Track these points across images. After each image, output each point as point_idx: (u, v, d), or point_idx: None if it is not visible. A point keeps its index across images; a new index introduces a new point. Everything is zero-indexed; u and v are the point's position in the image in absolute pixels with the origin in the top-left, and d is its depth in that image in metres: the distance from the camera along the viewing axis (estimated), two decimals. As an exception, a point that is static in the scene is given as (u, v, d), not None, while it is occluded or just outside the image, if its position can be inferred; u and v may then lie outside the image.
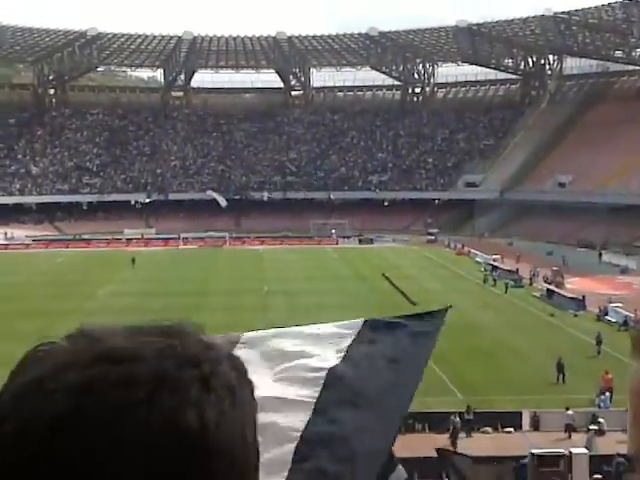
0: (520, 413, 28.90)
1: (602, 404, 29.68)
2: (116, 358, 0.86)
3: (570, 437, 27.68)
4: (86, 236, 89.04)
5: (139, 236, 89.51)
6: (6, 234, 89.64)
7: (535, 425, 28.70)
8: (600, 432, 27.50)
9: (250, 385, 0.98)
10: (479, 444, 27.37)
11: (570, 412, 28.20)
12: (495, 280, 58.33)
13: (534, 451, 25.58)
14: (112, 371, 0.84)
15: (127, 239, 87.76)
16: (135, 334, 0.91)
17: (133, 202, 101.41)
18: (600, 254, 71.38)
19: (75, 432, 0.81)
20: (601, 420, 27.93)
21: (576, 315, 46.86)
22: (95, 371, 0.84)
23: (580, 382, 31.88)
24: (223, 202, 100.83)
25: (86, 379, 0.83)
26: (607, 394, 29.75)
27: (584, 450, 25.85)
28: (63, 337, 0.91)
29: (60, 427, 0.81)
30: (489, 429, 28.51)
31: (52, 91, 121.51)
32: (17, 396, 0.84)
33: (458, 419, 27.17)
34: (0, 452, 0.82)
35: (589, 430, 27.35)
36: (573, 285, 56.51)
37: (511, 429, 28.55)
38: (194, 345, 0.93)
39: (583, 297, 49.29)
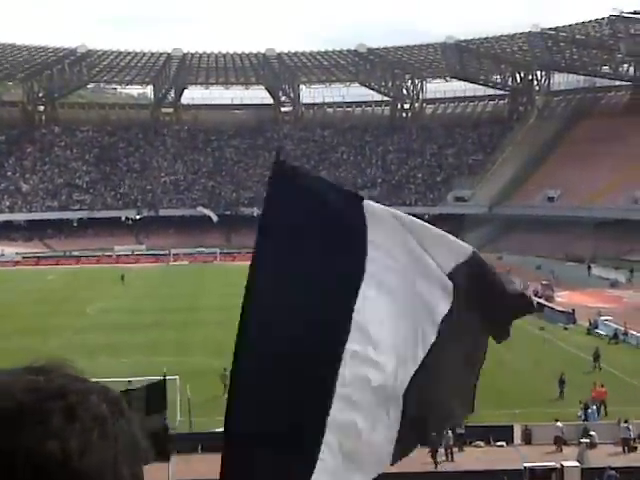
0: (511, 427, 28.98)
1: (591, 417, 29.76)
2: None
3: (560, 450, 27.77)
4: (76, 253, 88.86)
5: (129, 252, 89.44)
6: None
7: (527, 439, 28.78)
8: (592, 445, 27.60)
9: (128, 418, 0.98)
10: (471, 458, 27.44)
11: (559, 424, 28.30)
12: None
13: (526, 464, 25.69)
14: None
15: (117, 256, 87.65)
16: (5, 374, 0.95)
17: (123, 219, 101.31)
18: (589, 267, 71.76)
19: None
20: (592, 433, 28.05)
21: (566, 328, 47.10)
22: None
23: (571, 395, 31.99)
24: (214, 217, 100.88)
25: None
26: (594, 407, 29.88)
27: (576, 463, 25.96)
28: None
29: None
30: (481, 443, 28.58)
31: (42, 108, 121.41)
32: None
33: (451, 434, 27.22)
34: None
35: (580, 443, 27.43)
36: (563, 299, 56.77)
37: (503, 443, 28.62)
38: (60, 379, 0.95)
39: (573, 310, 49.55)
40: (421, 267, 3.16)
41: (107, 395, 0.98)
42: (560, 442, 28.04)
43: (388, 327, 3.06)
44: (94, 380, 1.01)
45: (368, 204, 3.18)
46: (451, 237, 3.34)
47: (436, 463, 26.59)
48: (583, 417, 29.91)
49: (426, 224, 3.32)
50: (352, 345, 2.93)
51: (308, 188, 3.18)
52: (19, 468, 0.86)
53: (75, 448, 0.88)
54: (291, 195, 3.11)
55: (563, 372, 33.36)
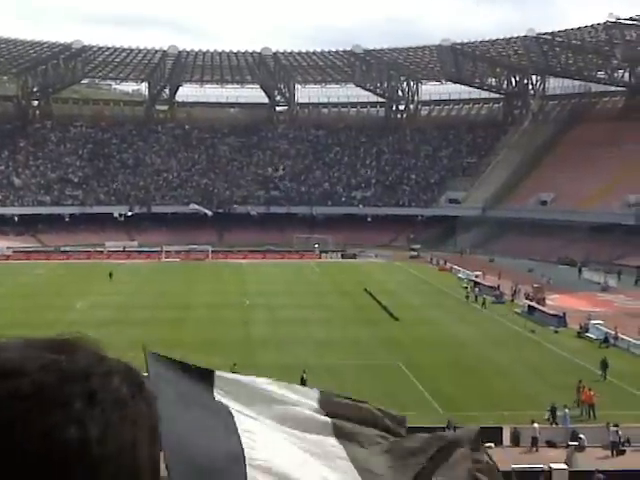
0: (500, 428, 28.87)
1: (563, 421, 29.66)
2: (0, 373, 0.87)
3: (537, 450, 27.83)
4: (67, 248, 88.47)
5: (121, 249, 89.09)
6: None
7: (515, 440, 28.71)
8: (580, 448, 27.55)
9: (147, 398, 0.97)
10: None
11: (536, 425, 28.33)
12: (477, 296, 58.49)
13: (514, 467, 25.61)
14: None
15: (109, 252, 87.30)
16: (24, 348, 0.92)
17: (116, 215, 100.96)
18: (580, 271, 71.88)
19: None
20: (581, 436, 27.99)
21: (557, 331, 47.10)
22: None
23: (559, 397, 31.91)
24: (208, 212, 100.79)
25: None
26: (566, 410, 29.77)
27: (564, 466, 25.90)
28: None
29: None
30: (469, 444, 28.45)
31: (36, 103, 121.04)
32: None
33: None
34: None
35: (569, 446, 27.39)
36: (554, 302, 56.76)
37: (491, 444, 28.51)
38: (83, 359, 0.93)
39: (564, 314, 49.54)
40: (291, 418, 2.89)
41: (129, 376, 0.97)
42: (536, 443, 28.09)
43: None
44: (116, 358, 0.99)
45: (220, 376, 2.92)
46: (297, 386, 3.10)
47: None
48: (551, 420, 29.75)
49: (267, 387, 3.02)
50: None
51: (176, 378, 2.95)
52: (34, 453, 0.84)
53: (94, 435, 0.87)
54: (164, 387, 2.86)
55: (581, 379, 32.91)
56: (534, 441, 28.18)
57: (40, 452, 0.84)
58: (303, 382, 32.45)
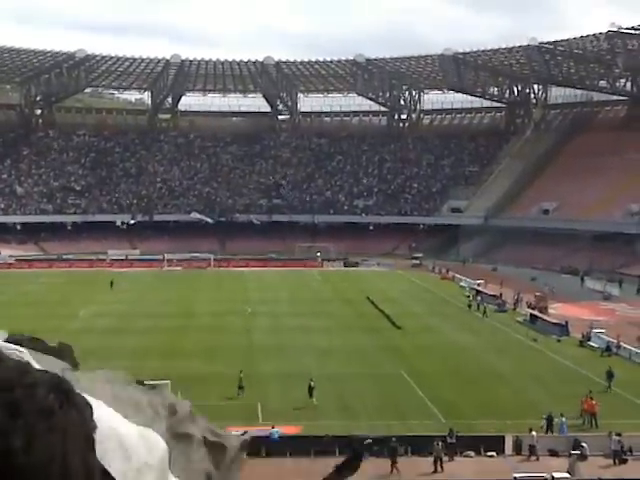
0: (503, 437, 28.85)
1: (561, 430, 29.60)
2: None
3: (537, 459, 27.78)
4: (70, 256, 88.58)
5: (123, 257, 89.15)
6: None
7: (517, 449, 28.67)
8: (582, 457, 27.50)
9: (78, 406, 0.96)
10: (462, 468, 27.31)
11: (534, 434, 28.30)
12: (479, 305, 58.42)
13: (516, 475, 25.61)
14: None
15: (111, 260, 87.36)
16: None
17: (118, 223, 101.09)
18: (582, 280, 71.81)
19: None
20: (584, 445, 27.93)
21: (559, 340, 47.04)
22: None
23: (561, 405, 31.87)
24: (209, 220, 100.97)
25: None
26: (563, 419, 29.71)
27: (566, 474, 25.86)
28: None
29: None
30: (472, 453, 28.44)
31: (39, 112, 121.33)
32: None
33: (440, 444, 27.05)
34: None
35: (571, 455, 27.33)
36: (556, 310, 56.72)
37: (494, 453, 28.50)
38: (7, 370, 0.91)
39: (566, 322, 49.48)
40: None
41: (56, 386, 0.95)
42: (534, 452, 28.07)
43: None
44: (42, 370, 0.97)
45: None
46: None
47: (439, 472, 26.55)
48: (545, 428, 29.58)
49: None
50: None
51: None
52: None
53: (18, 445, 0.85)
54: None
55: (590, 390, 32.69)
56: (532, 449, 28.17)
57: None
58: (311, 390, 32.59)
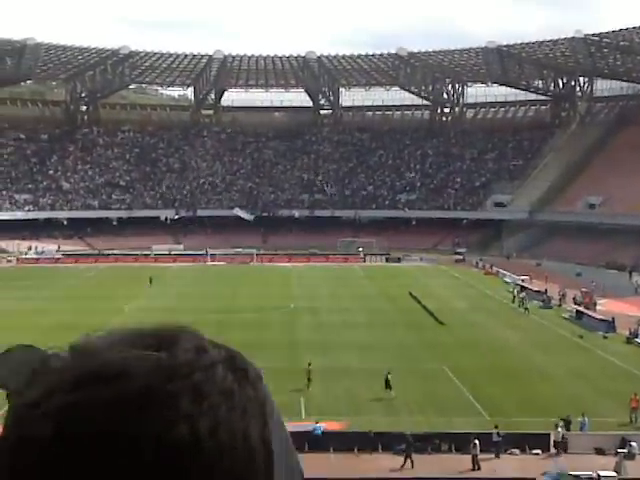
0: (548, 435, 28.55)
1: (582, 429, 29.15)
2: (103, 378, 0.86)
3: (559, 454, 27.39)
4: (115, 251, 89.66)
5: (167, 252, 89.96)
6: (36, 248, 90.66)
7: (563, 447, 28.34)
8: (630, 455, 27.09)
9: (253, 382, 0.96)
10: (506, 465, 27.10)
11: (560, 430, 27.93)
12: (523, 300, 57.76)
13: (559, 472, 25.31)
14: (98, 393, 0.84)
15: (155, 255, 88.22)
16: (126, 345, 0.91)
17: (162, 218, 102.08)
18: (630, 274, 70.72)
19: (61, 456, 0.82)
20: (633, 444, 27.49)
21: (605, 337, 46.38)
22: (81, 394, 0.84)
23: (608, 404, 31.45)
24: (249, 217, 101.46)
25: (71, 403, 0.84)
26: (586, 419, 29.21)
27: (613, 473, 25.50)
28: (66, 347, 0.93)
29: (49, 451, 0.82)
30: (516, 451, 28.20)
31: (84, 108, 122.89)
32: (11, 422, 0.88)
33: (478, 442, 26.88)
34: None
35: (618, 453, 26.95)
36: (603, 307, 55.94)
37: (538, 451, 28.22)
38: (185, 353, 0.91)
39: (613, 319, 48.77)
40: None
41: (233, 363, 0.95)
42: (560, 447, 27.69)
43: None
44: (216, 347, 0.97)
45: None
46: None
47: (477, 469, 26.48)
48: (563, 431, 28.52)
49: None
50: None
51: None
52: (147, 454, 0.83)
53: (204, 428, 0.86)
54: None
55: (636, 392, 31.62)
56: (557, 445, 27.79)
57: (152, 455, 0.83)
58: (387, 383, 32.83)
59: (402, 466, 26.77)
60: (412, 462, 26.84)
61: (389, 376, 33.28)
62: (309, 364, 35.04)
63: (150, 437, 0.83)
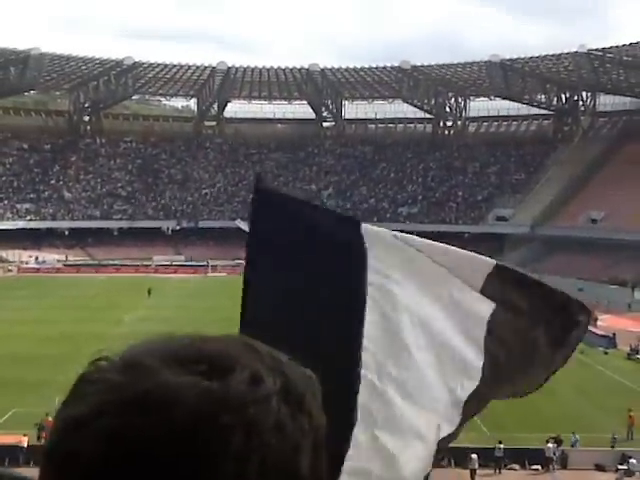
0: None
1: (573, 444, 28.98)
2: (150, 405, 0.82)
3: (547, 470, 27.25)
4: (116, 262, 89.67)
5: (168, 263, 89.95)
6: (37, 258, 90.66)
7: (563, 463, 28.19)
8: (629, 472, 26.92)
9: (309, 412, 0.89)
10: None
11: (550, 445, 27.81)
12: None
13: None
14: (143, 421, 0.81)
15: (156, 266, 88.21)
16: (180, 366, 0.86)
17: (164, 229, 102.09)
18: (633, 290, 70.55)
19: (103, 477, 0.80)
20: (633, 461, 27.32)
21: (606, 352, 46.20)
22: (127, 419, 0.82)
23: (606, 421, 31.28)
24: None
25: (117, 428, 0.81)
26: (577, 437, 29.00)
27: (613, 490, 25.35)
28: (113, 358, 0.91)
29: (92, 470, 0.81)
30: (516, 466, 28.05)
31: (87, 118, 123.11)
32: (60, 432, 0.85)
33: (476, 457, 26.77)
34: None
35: (618, 470, 26.80)
36: (604, 322, 55.75)
37: (538, 467, 28.06)
38: (238, 384, 0.85)
39: (614, 334, 48.63)
40: (441, 289, 2.90)
41: (288, 394, 0.88)
42: (550, 463, 27.57)
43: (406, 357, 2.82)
44: (272, 375, 0.88)
45: (367, 227, 2.99)
46: (469, 252, 3.06)
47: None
48: (553, 452, 28.28)
49: (434, 243, 3.08)
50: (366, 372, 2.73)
51: (298, 210, 3.08)
52: None
53: (252, 468, 0.81)
54: (280, 216, 3.01)
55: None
56: (548, 461, 27.64)
57: None
58: None
59: None
60: None
61: None
62: None
63: (193, 471, 0.80)
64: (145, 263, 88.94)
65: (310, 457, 0.88)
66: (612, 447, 28.71)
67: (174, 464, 0.80)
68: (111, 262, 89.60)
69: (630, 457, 27.56)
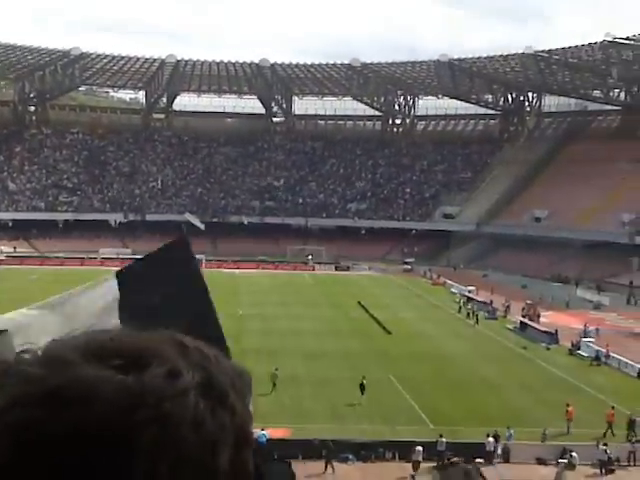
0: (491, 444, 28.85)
1: (508, 438, 29.55)
2: (65, 398, 0.81)
3: (491, 463, 27.76)
4: (61, 254, 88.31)
5: (114, 256, 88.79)
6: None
7: (505, 457, 28.71)
8: (570, 466, 27.53)
9: (232, 404, 0.89)
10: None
11: (490, 439, 28.34)
12: (469, 312, 58.46)
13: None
14: (56, 414, 0.80)
15: (102, 258, 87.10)
16: (100, 361, 0.85)
17: (111, 222, 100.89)
18: (577, 286, 72.07)
19: (12, 472, 0.79)
20: (574, 454, 27.95)
21: (548, 348, 47.11)
22: (42, 412, 0.80)
23: (548, 415, 31.94)
24: (200, 225, 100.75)
25: (27, 420, 0.80)
26: (512, 431, 29.50)
27: (553, 483, 25.89)
28: (36, 351, 0.89)
29: (2, 466, 0.80)
30: (459, 459, 28.42)
31: (32, 109, 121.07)
32: None
33: (420, 449, 27.18)
34: None
35: (559, 463, 27.38)
36: (547, 319, 56.83)
37: (481, 460, 28.49)
38: (154, 378, 0.84)
39: (556, 331, 49.58)
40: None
41: (207, 389, 0.87)
42: (491, 457, 28.10)
43: None
44: (191, 369, 0.87)
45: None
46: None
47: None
48: (493, 446, 28.73)
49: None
50: None
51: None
52: None
53: (164, 470, 0.80)
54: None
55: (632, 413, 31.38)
56: (488, 455, 28.14)
57: None
58: (362, 388, 33.17)
59: (324, 472, 27.22)
60: (333, 468, 27.32)
61: (364, 381, 33.89)
62: (276, 369, 35.37)
63: (102, 472, 0.78)
64: (91, 256, 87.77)
65: (231, 453, 0.86)
66: (542, 442, 29.33)
67: (85, 458, 0.78)
68: (56, 255, 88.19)
69: (571, 451, 28.19)
